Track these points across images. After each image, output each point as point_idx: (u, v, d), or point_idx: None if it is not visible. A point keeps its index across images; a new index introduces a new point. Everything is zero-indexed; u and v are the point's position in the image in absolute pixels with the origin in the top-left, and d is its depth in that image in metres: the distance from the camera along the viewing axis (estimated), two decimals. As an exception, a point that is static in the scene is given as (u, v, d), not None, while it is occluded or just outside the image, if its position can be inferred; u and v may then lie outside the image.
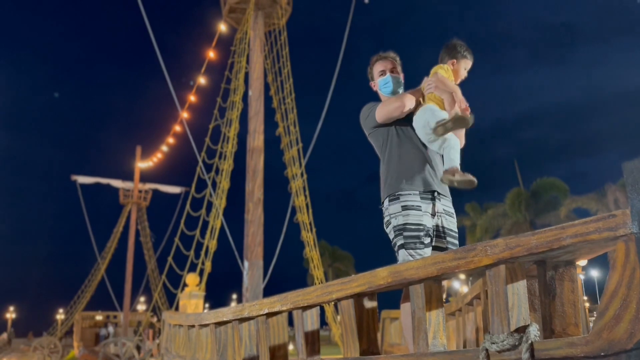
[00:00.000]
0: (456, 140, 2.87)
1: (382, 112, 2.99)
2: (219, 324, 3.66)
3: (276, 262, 9.83)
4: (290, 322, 3.12)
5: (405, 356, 2.18)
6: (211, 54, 11.28)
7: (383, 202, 2.95)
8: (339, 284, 2.52)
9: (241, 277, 8.46)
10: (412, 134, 3.00)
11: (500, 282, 1.85)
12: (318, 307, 2.80)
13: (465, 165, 2.81)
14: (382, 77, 3.13)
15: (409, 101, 2.94)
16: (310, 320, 2.80)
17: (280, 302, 2.92)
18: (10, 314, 38.95)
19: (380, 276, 2.28)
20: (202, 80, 11.98)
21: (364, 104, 3.20)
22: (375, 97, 3.31)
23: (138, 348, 12.18)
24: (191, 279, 11.65)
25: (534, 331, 1.74)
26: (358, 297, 2.45)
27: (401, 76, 3.18)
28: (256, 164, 8.18)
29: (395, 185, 2.87)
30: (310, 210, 9.21)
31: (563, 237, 1.64)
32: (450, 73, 2.94)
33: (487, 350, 1.81)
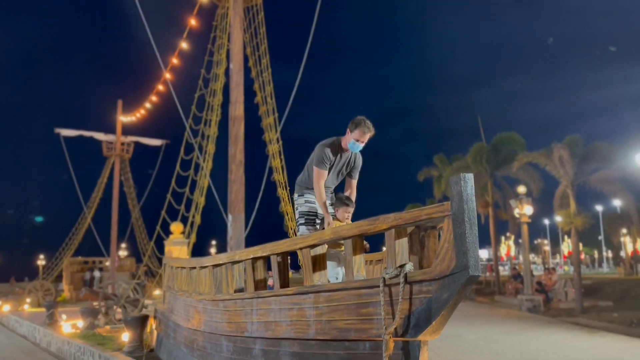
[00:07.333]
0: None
1: (314, 187, 4.52)
2: (216, 265, 4.93)
3: (256, 215, 11.25)
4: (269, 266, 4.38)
5: (340, 283, 3.47)
6: (192, 22, 12.05)
7: (294, 195, 4.76)
8: (301, 239, 3.78)
9: (225, 227, 9.79)
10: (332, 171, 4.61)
11: (391, 238, 3.11)
12: (287, 254, 4.07)
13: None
14: (356, 142, 4.48)
15: (322, 206, 4.48)
16: (282, 263, 4.07)
17: (261, 250, 4.18)
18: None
19: (326, 234, 3.55)
20: (184, 45, 12.77)
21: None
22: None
23: (135, 290, 13.56)
24: (175, 227, 12.59)
25: (409, 266, 2.98)
26: (312, 247, 3.71)
27: (362, 145, 4.54)
28: (237, 130, 9.30)
29: (304, 188, 4.72)
30: (284, 172, 10.54)
31: (421, 215, 2.89)
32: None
33: (384, 277, 3.07)
